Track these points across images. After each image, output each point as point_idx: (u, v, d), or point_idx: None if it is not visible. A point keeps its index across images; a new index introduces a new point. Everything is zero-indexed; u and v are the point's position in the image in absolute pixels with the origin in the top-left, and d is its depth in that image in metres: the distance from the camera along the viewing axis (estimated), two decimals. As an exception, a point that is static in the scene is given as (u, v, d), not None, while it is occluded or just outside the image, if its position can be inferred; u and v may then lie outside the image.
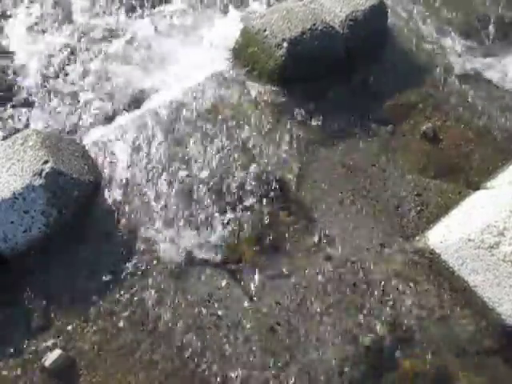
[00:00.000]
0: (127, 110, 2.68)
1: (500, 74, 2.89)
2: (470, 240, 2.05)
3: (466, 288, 2.05)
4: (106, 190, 2.35)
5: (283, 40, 2.62)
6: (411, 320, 2.03)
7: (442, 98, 2.76)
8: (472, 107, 2.73)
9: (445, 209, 2.31)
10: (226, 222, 2.26)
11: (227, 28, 3.01)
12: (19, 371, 1.91)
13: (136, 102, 2.72)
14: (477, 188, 2.38)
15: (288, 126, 2.59)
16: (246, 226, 2.26)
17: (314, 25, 2.67)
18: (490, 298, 2.00)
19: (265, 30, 2.69)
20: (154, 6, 3.19)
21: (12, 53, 2.91)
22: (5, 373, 1.90)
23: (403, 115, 2.68)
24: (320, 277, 2.13)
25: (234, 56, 2.85)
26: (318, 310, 2.04)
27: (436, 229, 2.22)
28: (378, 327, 2.00)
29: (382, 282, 2.12)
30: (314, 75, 2.68)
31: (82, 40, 2.99)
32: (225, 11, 3.16)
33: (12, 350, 1.94)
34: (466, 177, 2.46)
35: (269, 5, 3.16)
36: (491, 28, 3.11)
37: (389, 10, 2.95)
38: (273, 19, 2.72)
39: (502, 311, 1.98)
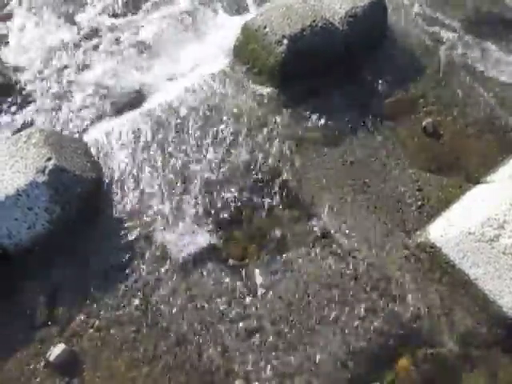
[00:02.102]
0: (129, 108, 2.69)
1: (500, 69, 2.89)
2: (470, 233, 2.05)
3: (466, 281, 2.06)
4: (109, 186, 2.36)
5: (283, 37, 2.63)
6: (412, 314, 2.03)
7: (442, 93, 2.77)
8: (472, 102, 2.73)
9: (445, 203, 2.31)
10: (228, 218, 2.28)
11: (228, 25, 3.02)
12: (24, 366, 1.92)
13: (137, 99, 2.73)
14: (477, 182, 2.38)
15: (288, 123, 2.60)
16: (248, 222, 2.27)
17: (314, 21, 2.67)
18: (491, 290, 2.00)
19: (265, 27, 2.70)
20: (154, 5, 3.20)
21: (13, 51, 2.93)
22: (10, 368, 1.92)
23: (403, 110, 2.69)
24: (322, 271, 2.14)
25: (234, 53, 2.86)
26: (320, 304, 2.05)
27: (437, 223, 2.22)
28: (379, 321, 2.01)
29: (384, 277, 2.12)
30: (314, 71, 2.68)
31: (84, 39, 3.01)
32: (225, 9, 3.17)
33: (17, 345, 1.96)
34: (467, 171, 2.46)
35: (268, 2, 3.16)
36: (492, 22, 3.11)
37: (388, 6, 2.95)
38: (273, 16, 2.73)
39: (503, 304, 1.98)
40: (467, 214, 2.15)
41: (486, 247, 2.02)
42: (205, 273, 2.13)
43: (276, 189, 2.38)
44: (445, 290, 2.09)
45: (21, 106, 2.69)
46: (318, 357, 1.94)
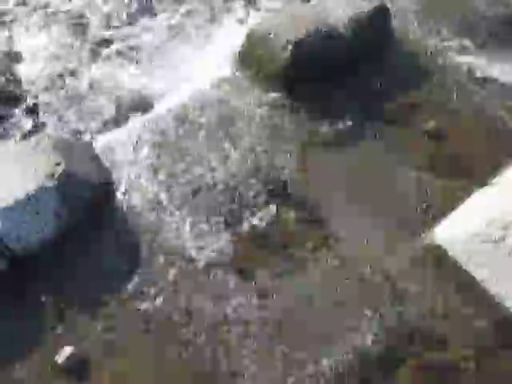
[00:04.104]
0: (136, 114, 2.73)
1: (503, 72, 2.91)
2: (476, 235, 2.06)
3: (473, 282, 2.06)
4: (117, 191, 2.38)
5: (288, 42, 2.67)
6: (419, 316, 2.03)
7: (446, 97, 2.78)
8: (475, 105, 2.75)
9: (450, 205, 2.32)
10: (234, 222, 2.29)
11: (233, 31, 3.06)
12: (32, 369, 1.93)
13: (145, 105, 2.77)
14: (482, 184, 2.38)
15: (293, 128, 2.62)
16: (254, 225, 2.28)
17: (318, 27, 2.71)
18: (498, 291, 2.00)
19: (270, 33, 2.74)
20: (159, 12, 3.25)
21: (23, 59, 2.99)
22: (18, 370, 1.93)
23: (407, 115, 2.70)
24: (327, 274, 2.14)
25: (240, 59, 2.90)
26: (326, 306, 2.06)
27: (442, 225, 2.23)
28: (386, 323, 2.01)
29: (390, 279, 2.13)
30: (318, 77, 2.71)
31: (92, 46, 3.06)
32: (231, 15, 3.22)
33: (25, 348, 1.97)
34: (471, 173, 2.46)
35: (273, 8, 3.21)
36: (494, 27, 3.13)
37: (391, 12, 2.98)
38: (277, 22, 2.77)
39: (510, 305, 1.98)
40: (472, 215, 2.15)
41: (491, 248, 2.02)
42: (211, 276, 2.14)
43: (282, 192, 2.39)
44: (451, 291, 2.09)
45: (30, 113, 2.73)
46: (325, 360, 1.94)
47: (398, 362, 1.94)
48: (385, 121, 2.67)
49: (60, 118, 2.71)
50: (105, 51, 3.03)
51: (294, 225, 2.29)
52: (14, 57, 3.00)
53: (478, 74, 2.88)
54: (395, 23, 3.06)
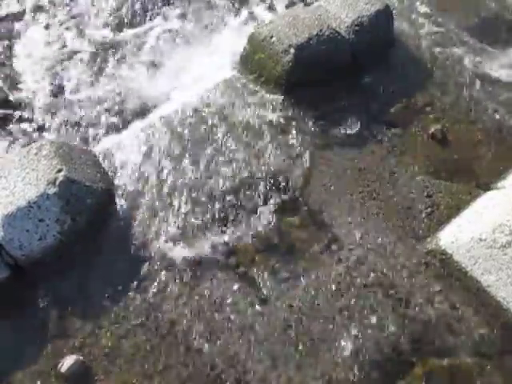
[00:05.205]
0: (138, 119, 2.72)
1: (509, 74, 2.89)
2: (481, 240, 2.04)
3: (479, 288, 2.04)
4: (119, 197, 2.38)
5: (290, 46, 2.65)
6: (424, 322, 2.02)
7: (450, 99, 2.77)
8: (480, 108, 2.73)
9: (456, 209, 2.30)
10: (237, 226, 2.28)
11: (234, 35, 3.06)
12: (36, 378, 1.93)
13: (146, 110, 2.76)
14: (487, 188, 2.37)
15: (296, 131, 2.61)
16: (256, 229, 2.27)
17: (321, 30, 2.69)
18: (504, 297, 1.99)
19: (271, 37, 2.72)
20: (161, 16, 3.25)
21: (24, 64, 2.98)
22: (22, 379, 1.93)
23: (411, 118, 2.69)
24: (331, 279, 2.13)
25: (241, 63, 2.89)
26: (330, 312, 2.04)
27: (447, 229, 2.21)
28: (390, 330, 2.00)
29: (394, 284, 2.11)
30: (320, 80, 2.70)
31: (93, 50, 3.05)
32: (232, 19, 3.21)
33: (28, 357, 1.97)
34: (477, 177, 2.45)
35: (275, 12, 3.20)
36: (499, 28, 3.12)
37: (394, 14, 2.97)
38: (279, 26, 2.75)
39: (517, 311, 1.97)
40: (478, 220, 2.14)
41: (497, 254, 2.00)
42: (214, 281, 2.14)
43: (284, 196, 2.38)
44: (456, 297, 2.07)
45: (31, 119, 2.73)
46: (328, 366, 1.93)
47: (402, 369, 1.93)
48: (388, 123, 2.66)
49: (62, 123, 2.71)
50: (106, 56, 3.03)
51: (296, 229, 2.28)
52: (16, 61, 3.00)
53: (484, 76, 2.87)
54: (398, 25, 3.05)
